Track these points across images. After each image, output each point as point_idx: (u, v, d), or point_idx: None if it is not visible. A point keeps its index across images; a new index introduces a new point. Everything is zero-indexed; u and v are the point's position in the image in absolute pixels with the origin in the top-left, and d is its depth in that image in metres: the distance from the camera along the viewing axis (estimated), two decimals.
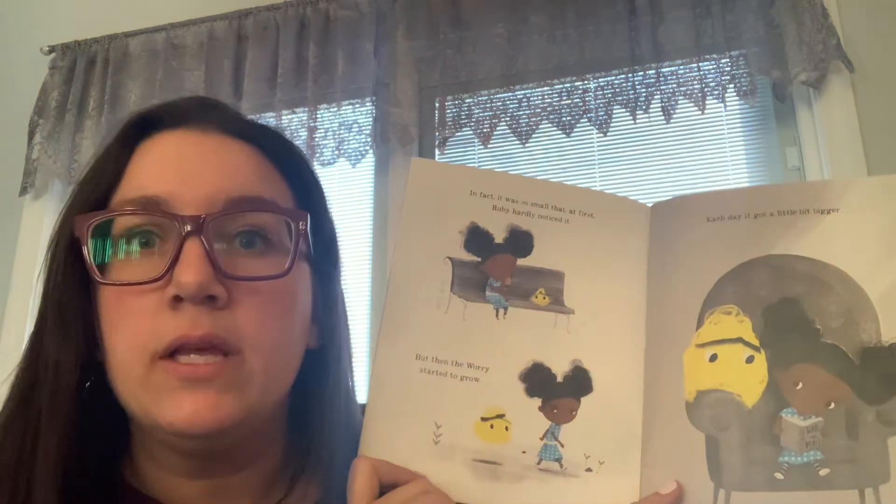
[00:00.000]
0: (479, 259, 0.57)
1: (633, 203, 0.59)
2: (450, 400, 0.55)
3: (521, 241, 0.58)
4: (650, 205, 0.59)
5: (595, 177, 1.77)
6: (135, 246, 0.50)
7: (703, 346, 0.53)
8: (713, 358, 0.53)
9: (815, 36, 1.59)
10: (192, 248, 0.48)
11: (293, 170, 0.57)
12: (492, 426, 0.55)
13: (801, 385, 0.50)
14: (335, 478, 0.53)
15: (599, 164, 1.78)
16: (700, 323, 0.54)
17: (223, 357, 0.48)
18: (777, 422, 0.50)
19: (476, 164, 1.87)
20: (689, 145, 1.73)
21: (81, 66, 2.07)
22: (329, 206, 0.60)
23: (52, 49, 2.12)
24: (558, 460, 0.54)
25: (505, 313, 0.57)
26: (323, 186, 0.59)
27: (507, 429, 0.54)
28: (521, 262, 0.57)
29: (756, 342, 0.52)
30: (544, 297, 0.57)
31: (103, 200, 0.51)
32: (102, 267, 0.50)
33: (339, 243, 0.60)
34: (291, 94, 1.89)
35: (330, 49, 1.89)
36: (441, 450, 0.54)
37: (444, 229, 0.58)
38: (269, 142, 0.56)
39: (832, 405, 0.50)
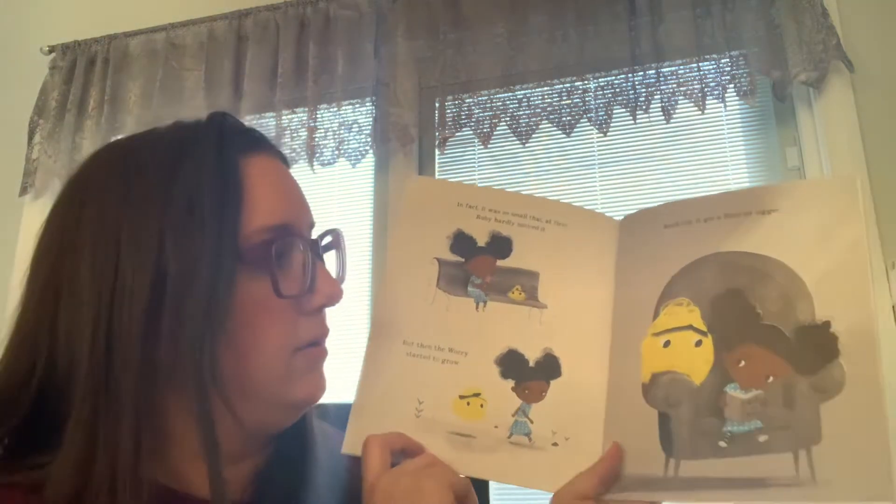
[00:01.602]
0: (463, 260, 0.66)
1: (602, 216, 0.67)
2: (432, 380, 0.62)
3: (501, 245, 0.66)
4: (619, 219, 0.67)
5: (595, 177, 1.78)
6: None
7: (658, 334, 0.60)
8: (667, 344, 0.60)
9: (815, 36, 1.59)
10: (324, 267, 0.61)
11: None
12: (468, 403, 0.62)
13: (743, 363, 0.57)
14: (314, 466, 0.61)
15: (599, 164, 1.79)
16: (656, 315, 0.61)
17: None
18: (722, 396, 0.57)
19: (476, 164, 1.88)
20: (689, 145, 1.74)
21: (81, 66, 2.08)
22: None
23: (52, 49, 2.13)
24: (527, 435, 0.61)
25: (484, 306, 0.65)
26: None
27: (482, 406, 0.62)
28: (500, 262, 0.66)
29: (704, 328, 0.59)
30: (520, 293, 0.65)
31: (238, 223, 0.56)
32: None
33: None
34: (291, 94, 1.90)
35: (330, 49, 1.90)
36: (422, 423, 0.61)
37: (433, 234, 0.66)
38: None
39: (771, 379, 0.56)
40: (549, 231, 0.66)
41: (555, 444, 0.61)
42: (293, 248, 0.59)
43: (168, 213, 0.54)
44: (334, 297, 0.60)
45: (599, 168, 1.79)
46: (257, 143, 0.62)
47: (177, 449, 0.56)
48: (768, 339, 0.56)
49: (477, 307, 0.64)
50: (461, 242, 0.66)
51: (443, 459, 0.59)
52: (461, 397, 0.62)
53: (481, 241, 0.66)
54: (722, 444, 0.55)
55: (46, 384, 0.53)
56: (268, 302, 0.56)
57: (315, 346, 0.60)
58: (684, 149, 1.75)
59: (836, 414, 0.53)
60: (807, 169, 1.65)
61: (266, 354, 0.56)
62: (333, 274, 0.63)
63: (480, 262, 0.65)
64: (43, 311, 0.54)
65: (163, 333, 0.51)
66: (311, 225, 0.62)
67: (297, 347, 0.58)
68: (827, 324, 0.55)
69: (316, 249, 0.61)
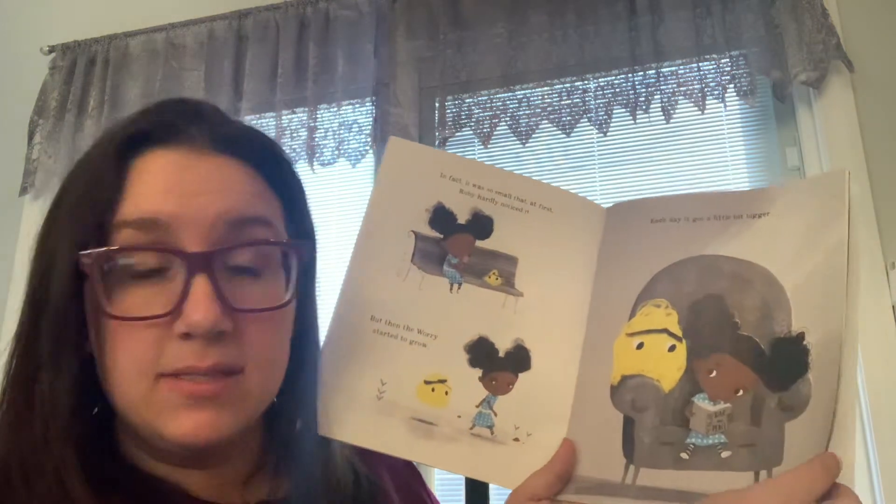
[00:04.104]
0: (441, 236, 0.62)
1: (590, 203, 0.64)
2: (397, 361, 0.60)
3: (482, 224, 0.63)
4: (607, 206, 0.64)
5: (595, 177, 1.78)
6: (136, 270, 0.50)
7: (632, 335, 0.58)
8: (640, 346, 0.58)
9: (815, 36, 1.60)
10: (202, 286, 0.49)
11: (280, 179, 0.58)
12: (433, 389, 0.59)
13: (714, 373, 0.54)
14: (307, 463, 0.57)
15: (599, 164, 1.79)
16: (633, 314, 0.59)
17: (225, 377, 0.51)
18: (689, 406, 0.54)
19: None
20: (689, 145, 1.74)
21: (81, 66, 2.08)
22: (308, 202, 0.61)
23: (52, 49, 2.13)
24: (490, 427, 0.59)
25: (459, 288, 0.62)
26: (302, 182, 0.61)
27: (446, 393, 0.59)
28: (479, 243, 0.62)
29: (679, 333, 0.57)
30: (497, 278, 0.62)
31: (100, 224, 0.50)
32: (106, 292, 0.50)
33: (315, 235, 0.62)
34: (291, 94, 1.90)
35: (330, 49, 1.90)
36: (383, 405, 0.59)
37: (412, 205, 0.63)
38: (258, 153, 0.57)
39: (740, 392, 0.53)
40: (533, 214, 0.63)
41: (516, 440, 0.58)
42: (168, 259, 0.50)
43: (50, 211, 0.54)
44: (195, 326, 0.48)
45: (599, 168, 1.79)
46: (158, 135, 0.53)
47: (136, 445, 0.55)
48: (743, 350, 0.54)
49: (451, 288, 0.61)
50: (441, 217, 0.62)
51: (400, 445, 0.58)
52: (426, 382, 0.59)
53: (462, 218, 0.63)
54: (684, 455, 0.53)
55: None
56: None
57: (185, 378, 0.49)
58: (684, 149, 1.75)
59: (798, 435, 0.50)
60: (807, 169, 1.65)
61: (121, 376, 0.50)
62: (277, 296, 0.53)
63: (459, 240, 0.62)
64: None
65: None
66: (224, 225, 0.51)
67: (161, 373, 0.49)
68: (801, 335, 0.52)
69: (200, 263, 0.49)
